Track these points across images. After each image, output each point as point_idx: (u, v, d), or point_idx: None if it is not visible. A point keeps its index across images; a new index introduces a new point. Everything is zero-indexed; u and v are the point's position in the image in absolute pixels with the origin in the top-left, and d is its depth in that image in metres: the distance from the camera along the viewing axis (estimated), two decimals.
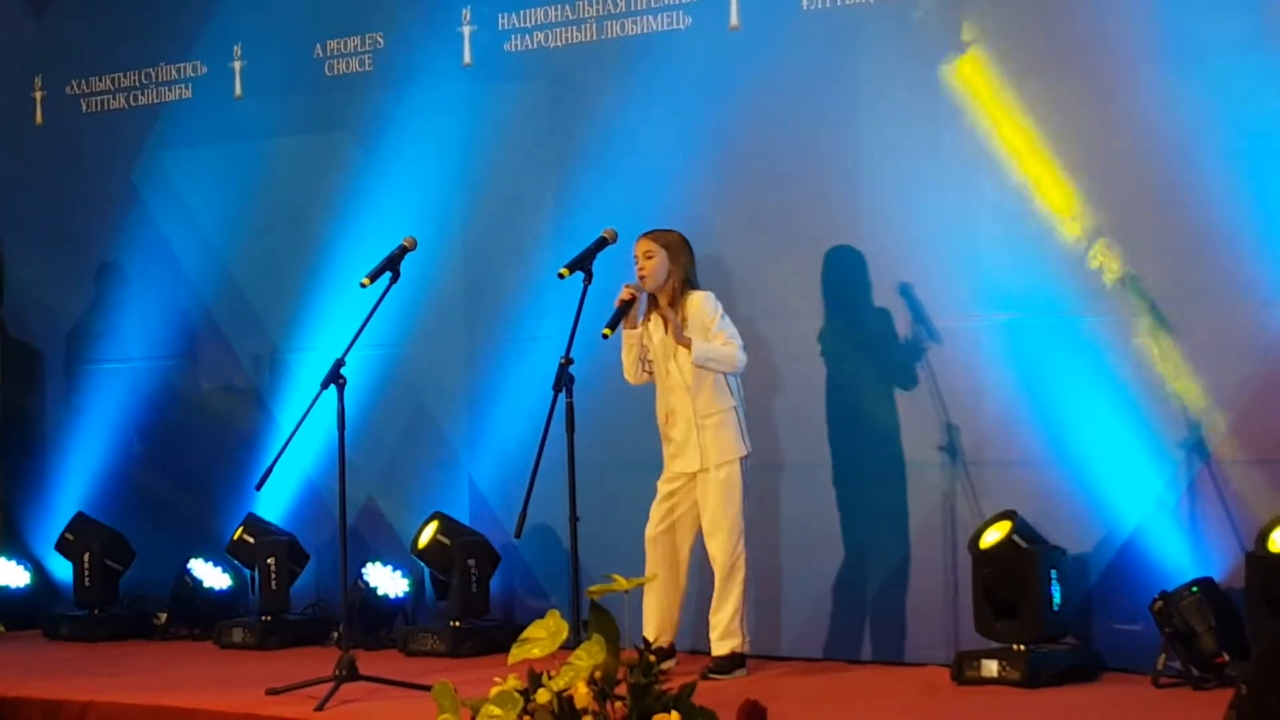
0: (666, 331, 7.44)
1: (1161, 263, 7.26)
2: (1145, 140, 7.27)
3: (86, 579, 9.61)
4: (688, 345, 7.36)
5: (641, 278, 7.49)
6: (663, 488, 7.58)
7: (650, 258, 7.51)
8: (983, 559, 7.25)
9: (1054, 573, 7.19)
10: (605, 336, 7.29)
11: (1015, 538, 7.20)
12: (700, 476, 7.49)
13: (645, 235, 7.57)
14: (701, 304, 7.50)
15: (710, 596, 7.53)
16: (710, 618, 7.50)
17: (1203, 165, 7.13)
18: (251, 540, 9.17)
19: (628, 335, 7.51)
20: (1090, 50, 7.41)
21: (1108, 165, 7.37)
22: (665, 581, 7.50)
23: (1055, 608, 7.18)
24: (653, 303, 7.56)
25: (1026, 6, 7.59)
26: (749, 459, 7.50)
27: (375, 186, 9.22)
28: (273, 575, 9.02)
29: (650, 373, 7.58)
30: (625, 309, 7.39)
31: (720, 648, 7.46)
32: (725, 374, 7.45)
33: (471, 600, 8.51)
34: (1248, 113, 7.07)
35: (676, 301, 7.51)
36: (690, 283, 7.55)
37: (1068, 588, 7.23)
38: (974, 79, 7.63)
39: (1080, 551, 7.36)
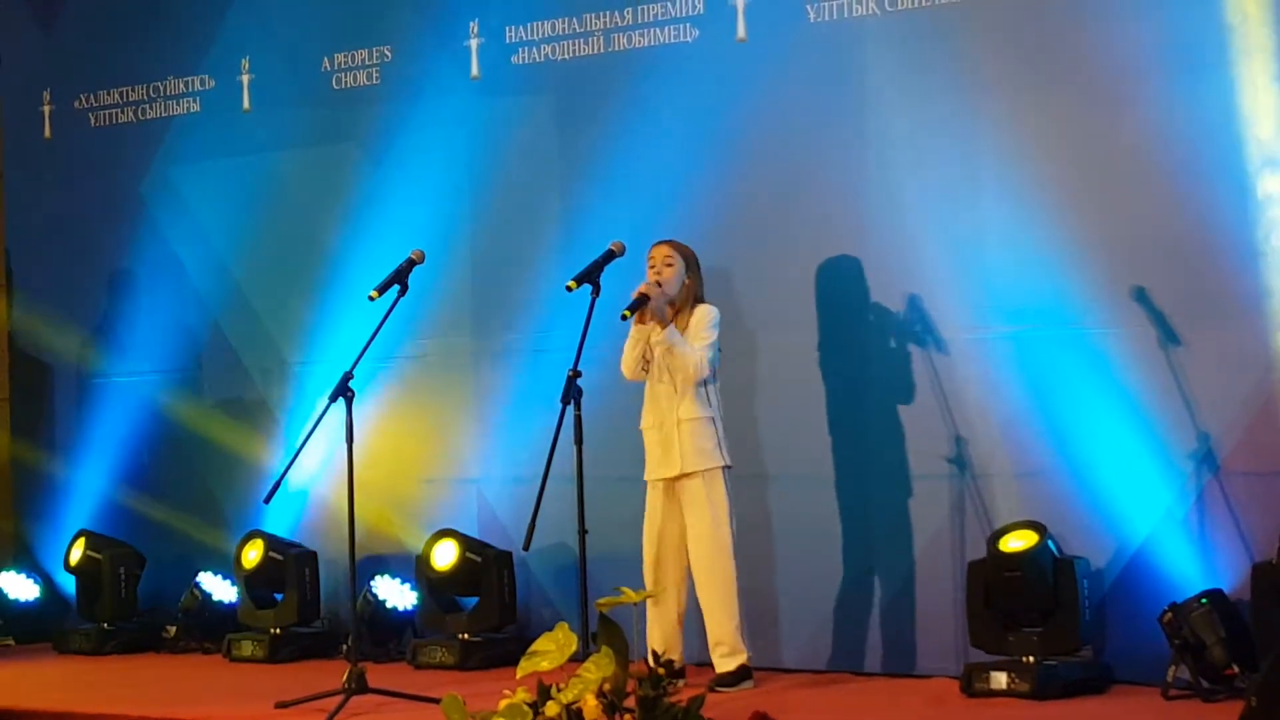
0: (657, 321, 7.42)
1: (1170, 275, 7.26)
2: (1154, 152, 7.27)
3: (119, 589, 9.64)
4: (663, 325, 7.36)
5: (659, 283, 7.49)
6: (650, 503, 7.56)
7: (670, 265, 7.52)
8: (1002, 562, 7.21)
9: (1086, 583, 7.19)
10: (624, 318, 7.31)
11: (1049, 543, 7.17)
12: (682, 484, 7.49)
13: (666, 242, 7.59)
14: (703, 313, 7.52)
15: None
16: (710, 635, 7.50)
17: (1211, 177, 7.13)
18: (280, 558, 9.17)
19: (637, 329, 7.51)
20: (1101, 62, 7.41)
21: (1115, 177, 7.37)
22: (666, 600, 7.49)
23: (1088, 618, 7.18)
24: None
25: (1033, 19, 7.59)
26: (730, 470, 7.51)
27: (383, 199, 9.22)
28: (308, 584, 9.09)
29: (647, 372, 7.58)
30: (644, 300, 7.39)
31: (727, 664, 7.45)
32: (690, 378, 7.43)
33: (496, 610, 8.52)
34: (1255, 125, 7.07)
35: (683, 314, 7.53)
36: (700, 298, 7.58)
37: (1092, 597, 7.23)
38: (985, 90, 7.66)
39: (1091, 564, 7.35)
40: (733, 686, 7.39)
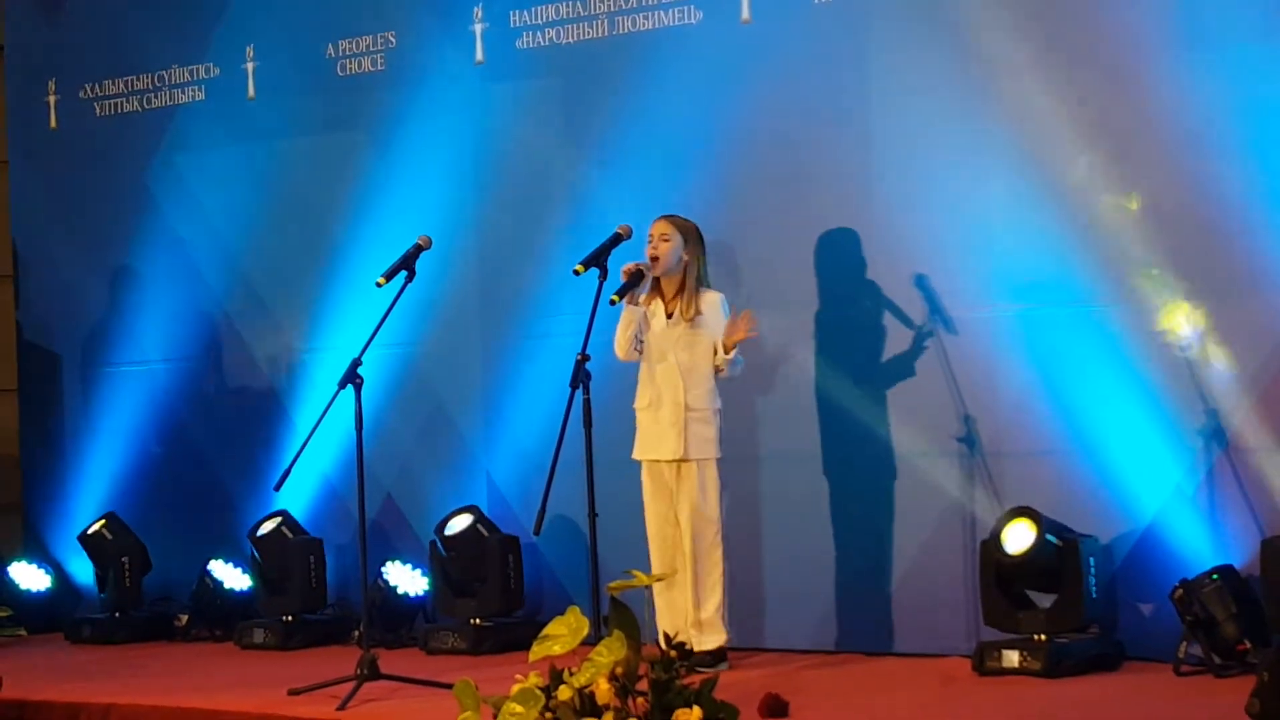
0: (729, 338, 7.45)
1: (1178, 251, 7.25)
2: (1166, 127, 7.26)
3: (110, 582, 9.63)
4: (731, 347, 7.43)
5: (653, 259, 7.50)
6: (648, 483, 7.60)
7: (666, 240, 7.52)
8: (1013, 564, 7.21)
9: (1092, 560, 7.18)
10: (613, 303, 7.32)
11: (1049, 537, 7.16)
12: (682, 467, 7.52)
13: (664, 217, 7.58)
14: (719, 308, 7.53)
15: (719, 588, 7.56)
16: (693, 613, 7.51)
17: (1224, 151, 7.12)
18: (290, 535, 9.19)
19: (629, 310, 7.52)
20: (1109, 37, 7.39)
21: (1127, 153, 7.35)
22: (677, 582, 7.51)
23: (1094, 595, 7.17)
24: (655, 285, 7.58)
25: None
26: (720, 461, 7.55)
27: (389, 186, 9.22)
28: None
29: (640, 352, 7.59)
30: (635, 281, 7.41)
31: (705, 643, 7.47)
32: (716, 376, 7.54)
33: (499, 597, 8.52)
34: (1268, 99, 7.06)
35: (687, 292, 7.52)
36: (703, 278, 7.56)
37: (1101, 575, 7.23)
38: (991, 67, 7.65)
39: (1100, 541, 7.35)
40: (710, 667, 7.38)
